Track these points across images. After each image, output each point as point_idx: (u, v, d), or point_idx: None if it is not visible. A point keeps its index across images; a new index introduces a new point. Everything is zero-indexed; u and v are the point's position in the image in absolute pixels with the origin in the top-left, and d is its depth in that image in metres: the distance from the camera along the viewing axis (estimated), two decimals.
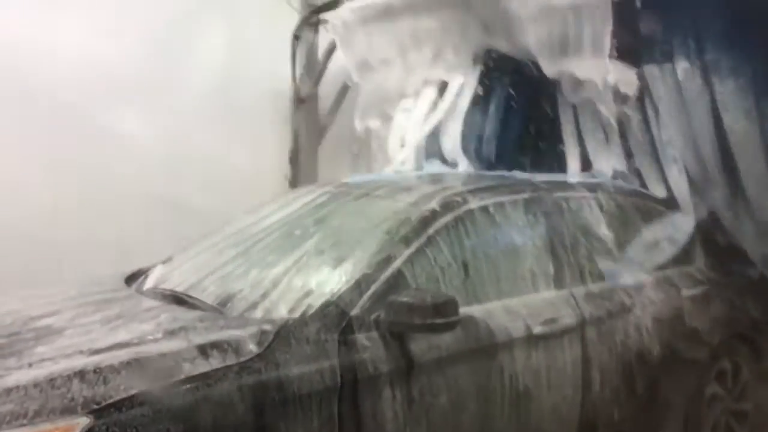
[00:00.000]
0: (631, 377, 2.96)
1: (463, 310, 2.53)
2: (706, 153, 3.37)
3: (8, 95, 4.42)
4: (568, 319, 2.81)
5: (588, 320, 2.85)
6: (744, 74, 3.21)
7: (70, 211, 4.66)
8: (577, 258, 2.98)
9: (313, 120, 5.38)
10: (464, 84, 4.01)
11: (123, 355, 2.02)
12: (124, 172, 4.89)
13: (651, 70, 3.40)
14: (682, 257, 3.30)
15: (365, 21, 4.43)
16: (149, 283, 2.80)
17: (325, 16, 4.85)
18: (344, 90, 5.40)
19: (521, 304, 2.75)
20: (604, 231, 3.09)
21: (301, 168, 5.36)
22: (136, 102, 4.90)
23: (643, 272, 3.11)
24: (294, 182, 5.28)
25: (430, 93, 4.17)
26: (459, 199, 2.80)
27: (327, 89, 5.38)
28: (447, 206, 2.75)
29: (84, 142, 4.71)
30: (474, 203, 2.81)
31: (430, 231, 2.65)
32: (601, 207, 3.15)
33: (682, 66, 3.32)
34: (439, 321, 2.35)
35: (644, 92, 3.41)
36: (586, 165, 3.58)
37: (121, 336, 2.14)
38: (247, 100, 5.43)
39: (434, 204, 2.74)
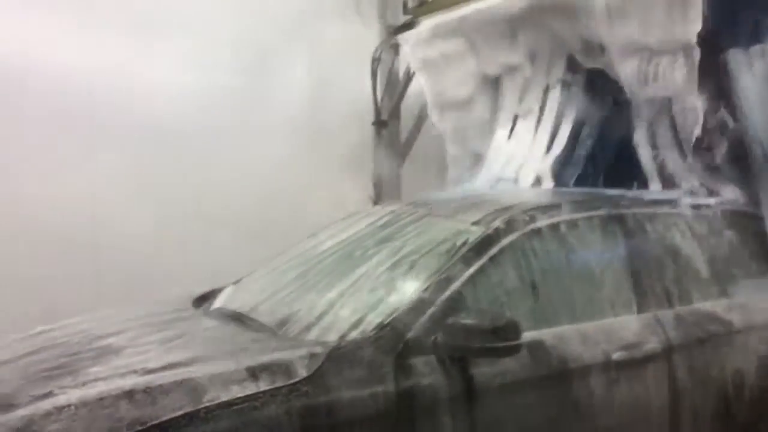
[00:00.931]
0: (728, 414, 2.70)
1: (532, 335, 2.42)
2: None
3: (106, 126, 4.71)
4: (652, 344, 2.59)
5: (676, 346, 2.62)
6: None
7: (167, 236, 4.88)
8: (663, 279, 2.75)
9: (395, 141, 5.38)
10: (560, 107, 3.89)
11: (173, 375, 2.04)
12: (214, 199, 5.09)
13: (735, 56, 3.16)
14: None
15: (440, 44, 4.42)
16: (216, 303, 2.85)
17: (401, 38, 4.84)
18: (425, 110, 5.39)
19: (598, 328, 2.57)
20: (693, 249, 2.85)
21: (384, 189, 5.35)
22: (225, 130, 5.11)
23: (742, 293, 2.85)
24: (378, 204, 5.27)
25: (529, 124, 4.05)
26: (525, 217, 2.67)
27: (408, 109, 5.37)
28: (512, 225, 2.62)
29: (177, 169, 4.95)
30: (542, 221, 2.67)
31: (493, 251, 2.54)
32: (687, 224, 2.91)
33: None
34: (499, 345, 2.23)
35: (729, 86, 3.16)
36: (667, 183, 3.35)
37: (175, 356, 2.17)
38: (331, 125, 5.53)
39: (498, 222, 2.62)
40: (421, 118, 5.36)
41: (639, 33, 3.32)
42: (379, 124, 5.34)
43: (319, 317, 2.42)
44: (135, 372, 2.08)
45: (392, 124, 5.35)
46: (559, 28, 3.76)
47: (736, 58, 3.15)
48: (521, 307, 2.51)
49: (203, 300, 2.95)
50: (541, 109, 3.97)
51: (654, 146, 3.40)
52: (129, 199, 4.64)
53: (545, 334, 2.47)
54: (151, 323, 2.53)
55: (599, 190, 3.31)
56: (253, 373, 2.07)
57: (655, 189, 3.34)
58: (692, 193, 3.09)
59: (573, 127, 3.83)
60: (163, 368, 2.08)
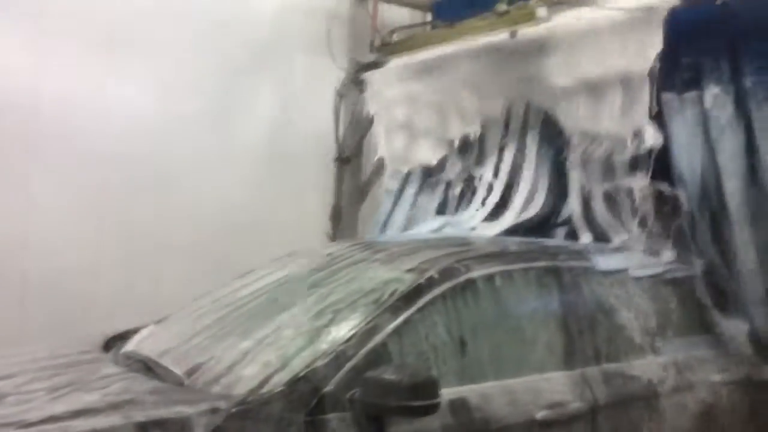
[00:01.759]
0: None
1: (455, 391, 2.29)
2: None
3: (60, 151, 4.55)
4: (578, 403, 2.46)
5: (602, 406, 2.50)
6: None
7: (111, 266, 4.70)
8: (593, 336, 2.63)
9: (357, 179, 5.26)
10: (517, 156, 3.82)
11: (51, 431, 1.85)
12: (169, 228, 4.93)
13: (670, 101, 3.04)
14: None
15: (403, 82, 4.36)
16: (129, 346, 2.67)
17: (366, 76, 4.79)
18: None
19: (524, 386, 2.43)
20: (625, 305, 2.74)
21: (342, 226, 5.21)
22: (183, 157, 4.96)
23: (672, 352, 2.73)
24: (335, 240, 5.13)
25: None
26: (460, 267, 2.53)
27: (371, 147, 5.27)
28: (445, 274, 2.49)
29: (131, 196, 4.79)
30: (476, 272, 2.53)
31: (423, 301, 2.40)
32: (621, 279, 2.80)
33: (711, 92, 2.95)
34: (415, 403, 2.08)
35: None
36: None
37: (59, 408, 1.99)
38: (294, 159, 5.42)
39: (432, 271, 2.49)
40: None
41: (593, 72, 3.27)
42: (341, 160, 5.23)
43: (231, 367, 2.25)
44: (8, 425, 1.89)
45: (354, 161, 5.24)
46: (519, 75, 3.70)
47: (669, 104, 3.05)
48: (448, 362, 2.37)
49: (118, 340, 2.77)
50: (500, 157, 3.89)
51: (585, 196, 3.30)
52: (67, 225, 4.45)
53: (469, 392, 2.32)
54: (47, 367, 2.34)
55: (542, 240, 3.20)
56: (144, 429, 1.90)
57: (585, 241, 3.24)
58: (626, 248, 2.98)
59: (532, 176, 3.73)
60: (42, 422, 1.90)
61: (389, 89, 4.49)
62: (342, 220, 5.20)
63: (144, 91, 4.78)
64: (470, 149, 4.03)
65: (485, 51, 3.84)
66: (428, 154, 4.17)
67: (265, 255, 4.15)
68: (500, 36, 3.73)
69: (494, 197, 3.77)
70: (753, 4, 2.86)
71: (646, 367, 2.70)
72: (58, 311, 4.34)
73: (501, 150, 3.88)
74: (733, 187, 2.93)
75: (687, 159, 3.00)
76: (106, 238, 4.66)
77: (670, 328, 2.86)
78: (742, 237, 2.90)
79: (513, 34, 3.65)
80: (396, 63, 4.58)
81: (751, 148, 2.91)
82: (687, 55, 2.99)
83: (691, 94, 2.99)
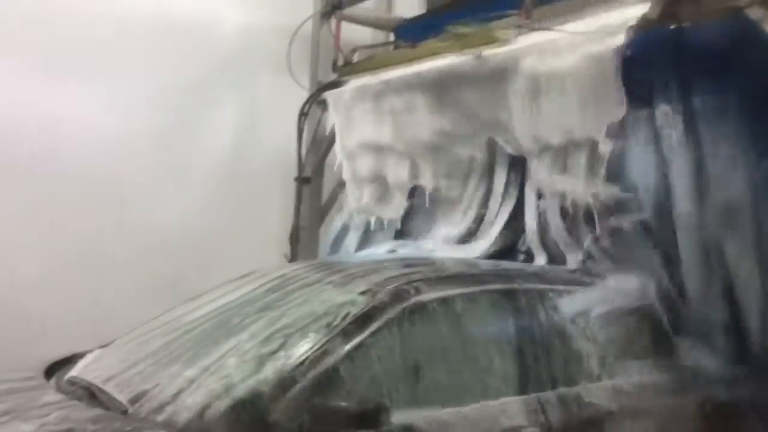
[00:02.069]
0: None
1: (405, 417, 2.24)
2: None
3: (9, 168, 4.44)
4: (532, 428, 2.44)
5: (557, 430, 2.48)
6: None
7: (60, 283, 4.58)
8: (550, 360, 2.62)
9: (317, 199, 5.22)
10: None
11: None
12: (124, 246, 4.84)
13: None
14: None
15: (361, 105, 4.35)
16: (73, 372, 2.59)
17: (327, 95, 4.78)
18: None
19: (478, 411, 2.40)
20: (585, 329, 2.74)
21: (302, 247, 5.16)
22: (140, 174, 4.89)
23: (629, 376, 2.73)
24: (293, 261, 5.08)
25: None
26: (411, 289, 2.51)
27: (332, 168, 5.25)
28: (397, 297, 2.47)
29: (85, 215, 4.69)
30: (428, 295, 2.51)
31: (375, 325, 2.36)
32: (582, 302, 2.79)
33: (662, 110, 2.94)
34: (365, 431, 2.05)
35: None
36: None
37: None
38: (255, 178, 5.39)
39: (385, 294, 2.47)
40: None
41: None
42: (302, 180, 5.19)
43: (176, 395, 2.19)
44: None
45: (315, 181, 5.20)
46: (477, 104, 3.71)
47: (624, 121, 3.03)
48: (400, 387, 2.33)
49: (61, 365, 2.69)
50: (464, 181, 3.89)
51: (541, 213, 3.32)
52: (14, 244, 4.34)
53: (420, 418, 2.28)
54: None
55: (498, 262, 3.20)
56: None
57: (540, 262, 3.25)
58: (582, 271, 2.99)
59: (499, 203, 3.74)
60: None
61: (350, 110, 4.48)
62: (301, 240, 5.14)
63: (100, 107, 4.71)
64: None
65: (445, 74, 3.85)
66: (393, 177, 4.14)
67: (224, 276, 4.10)
68: (462, 58, 3.73)
69: (459, 224, 3.78)
70: (703, 29, 2.88)
71: (602, 392, 2.68)
72: (3, 331, 4.22)
73: (466, 176, 3.88)
74: (681, 207, 2.92)
75: (640, 178, 2.99)
76: (57, 258, 4.55)
77: (626, 351, 2.86)
78: (690, 260, 2.91)
79: (477, 56, 3.63)
80: (356, 84, 4.57)
81: (700, 168, 2.89)
82: (640, 74, 2.98)
83: (643, 112, 2.98)
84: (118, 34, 4.72)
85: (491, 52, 3.51)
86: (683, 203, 2.92)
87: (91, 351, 2.80)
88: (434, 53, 3.94)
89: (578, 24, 3.17)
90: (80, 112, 4.64)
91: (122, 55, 4.76)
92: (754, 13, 2.48)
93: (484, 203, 3.74)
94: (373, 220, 4.21)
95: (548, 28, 3.30)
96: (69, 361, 2.75)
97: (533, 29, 3.42)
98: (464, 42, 3.72)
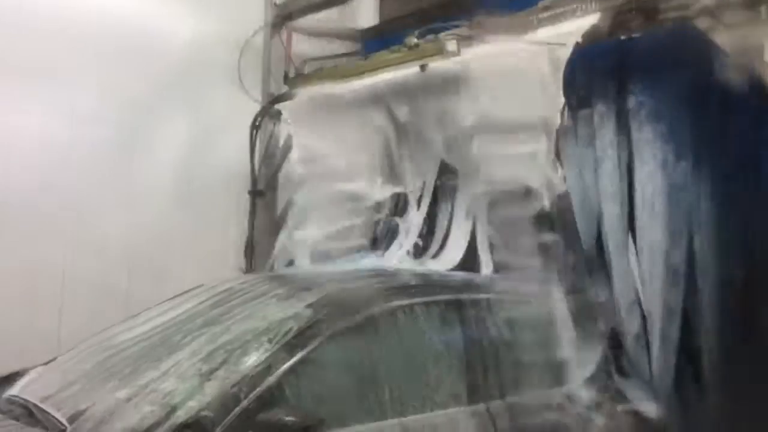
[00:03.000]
0: None
1: (353, 431, 2.24)
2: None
3: None
4: None
5: None
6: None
7: (11, 303, 4.46)
8: (498, 369, 2.64)
9: (271, 212, 5.19)
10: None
11: None
12: (74, 263, 4.73)
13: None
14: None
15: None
16: (13, 390, 2.51)
17: (281, 106, 4.77)
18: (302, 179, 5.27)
19: (426, 422, 2.41)
20: (533, 338, 2.77)
21: (257, 260, 5.12)
22: (88, 188, 4.79)
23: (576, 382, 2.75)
24: (248, 273, 5.03)
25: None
26: (359, 302, 2.52)
27: (286, 180, 5.23)
28: (344, 310, 2.46)
29: (33, 228, 4.57)
30: (377, 307, 2.52)
31: (321, 338, 2.35)
32: (525, 310, 2.83)
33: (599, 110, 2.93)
34: None
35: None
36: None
37: None
38: (207, 191, 5.28)
39: (330, 307, 2.46)
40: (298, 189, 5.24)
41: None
42: (255, 193, 5.16)
43: (114, 413, 2.14)
44: None
45: (269, 194, 5.17)
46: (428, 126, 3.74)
47: (563, 124, 3.06)
48: (347, 401, 2.33)
49: (2, 384, 2.60)
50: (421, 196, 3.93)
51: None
52: None
53: (368, 431, 2.28)
54: None
55: (445, 273, 3.22)
56: None
57: (487, 272, 3.28)
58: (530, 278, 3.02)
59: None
60: None
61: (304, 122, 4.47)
62: (256, 253, 5.10)
63: (47, 120, 4.57)
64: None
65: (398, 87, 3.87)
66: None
67: (180, 290, 4.07)
68: (410, 70, 3.75)
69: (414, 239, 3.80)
70: (646, 38, 2.91)
71: (551, 399, 2.71)
72: None
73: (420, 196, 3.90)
74: (610, 212, 2.92)
75: (578, 182, 3.01)
76: (6, 274, 4.43)
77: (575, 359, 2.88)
78: (618, 271, 2.90)
79: (423, 68, 3.66)
80: (307, 95, 4.56)
81: (630, 171, 2.89)
82: (582, 76, 3.00)
83: (584, 112, 2.99)
84: (64, 47, 4.62)
85: (437, 64, 3.53)
86: (609, 206, 2.91)
87: (33, 368, 2.72)
88: (385, 65, 3.95)
89: (529, 36, 3.20)
90: (27, 126, 4.51)
91: (69, 69, 4.64)
92: (702, 22, 2.53)
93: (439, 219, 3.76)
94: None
95: (497, 40, 3.31)
96: (9, 379, 2.66)
97: (482, 41, 3.44)
98: (414, 53, 3.74)
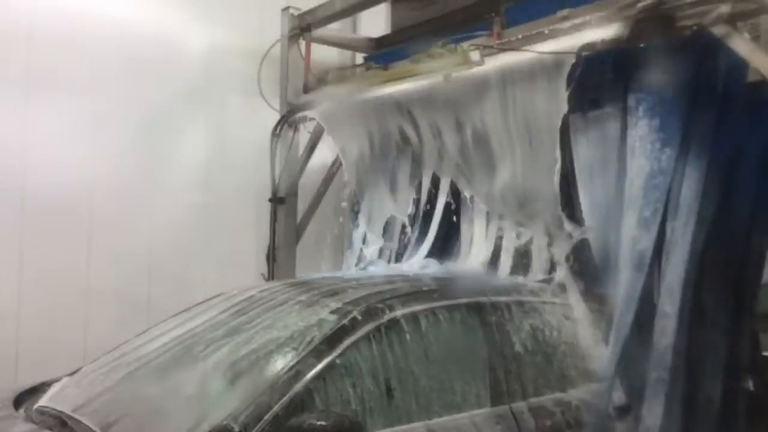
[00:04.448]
0: None
1: None
2: None
3: None
4: None
5: None
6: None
7: (34, 314, 4.53)
8: (520, 371, 2.67)
9: (292, 218, 5.23)
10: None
11: None
12: (98, 272, 4.79)
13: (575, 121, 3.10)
14: None
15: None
16: (43, 400, 2.56)
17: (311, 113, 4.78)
18: (323, 188, 5.29)
19: (451, 424, 2.45)
20: (550, 338, 2.79)
21: (279, 266, 5.17)
22: (111, 195, 4.86)
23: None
24: (270, 280, 5.07)
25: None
26: (382, 306, 2.55)
27: (306, 187, 5.27)
28: (369, 315, 2.50)
29: (54, 240, 4.65)
30: (400, 311, 2.55)
31: (347, 343, 2.40)
32: (544, 313, 2.85)
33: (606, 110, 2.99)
34: None
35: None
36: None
37: None
38: (228, 199, 5.37)
39: (356, 312, 2.49)
40: (318, 195, 5.27)
41: None
42: (276, 200, 5.21)
43: (150, 421, 2.19)
44: None
45: (289, 201, 5.22)
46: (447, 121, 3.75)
47: (575, 123, 3.10)
48: (374, 404, 2.36)
49: (30, 395, 2.67)
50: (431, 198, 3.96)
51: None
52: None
53: None
54: None
55: (465, 276, 3.23)
56: None
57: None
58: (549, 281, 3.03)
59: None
60: None
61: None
62: (278, 260, 5.15)
63: (69, 132, 4.65)
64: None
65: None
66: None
67: (199, 298, 4.11)
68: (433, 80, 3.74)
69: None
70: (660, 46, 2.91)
71: (571, 400, 2.73)
72: None
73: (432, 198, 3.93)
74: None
75: (589, 181, 3.04)
76: (28, 285, 4.50)
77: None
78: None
79: (447, 78, 3.63)
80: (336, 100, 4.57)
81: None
82: (591, 77, 3.02)
83: (594, 113, 3.04)
84: (85, 58, 4.71)
85: (461, 74, 3.53)
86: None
87: (58, 379, 2.77)
88: (408, 74, 3.92)
89: (548, 44, 3.20)
90: (46, 137, 4.60)
91: (90, 80, 4.74)
92: (719, 30, 2.54)
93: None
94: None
95: (517, 49, 3.31)
96: (37, 390, 2.73)
97: (503, 50, 3.43)
98: (436, 63, 3.72)
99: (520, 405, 2.60)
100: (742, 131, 2.71)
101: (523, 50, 3.16)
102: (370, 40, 5.03)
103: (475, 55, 3.48)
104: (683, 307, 2.65)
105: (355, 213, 4.53)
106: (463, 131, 3.66)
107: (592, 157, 3.04)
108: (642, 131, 2.81)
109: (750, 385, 2.82)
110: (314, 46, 5.02)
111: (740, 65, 2.56)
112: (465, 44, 3.52)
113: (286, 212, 5.22)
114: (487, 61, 3.41)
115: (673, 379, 2.63)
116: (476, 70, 3.47)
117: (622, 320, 2.74)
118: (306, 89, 4.98)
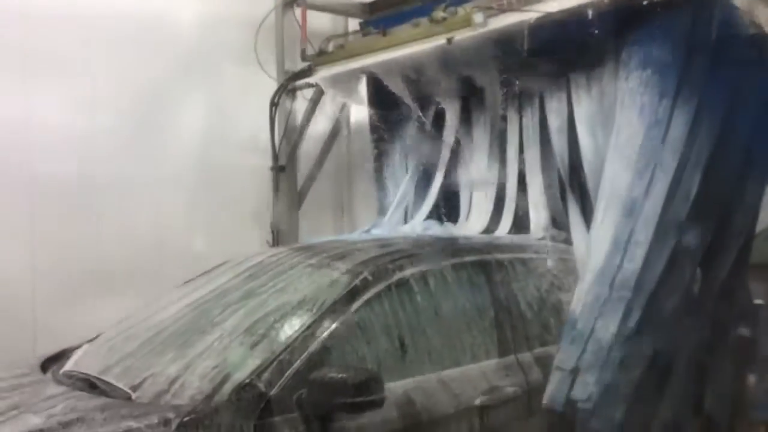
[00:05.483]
0: None
1: (396, 386, 2.41)
2: None
3: None
4: (512, 387, 2.64)
5: (535, 387, 2.68)
6: None
7: (47, 289, 4.61)
8: (524, 323, 2.81)
9: (293, 186, 5.31)
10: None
11: None
12: (102, 246, 4.86)
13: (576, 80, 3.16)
14: None
15: None
16: (68, 366, 2.65)
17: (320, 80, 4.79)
18: (323, 155, 5.36)
19: (461, 375, 2.58)
20: (552, 291, 2.92)
21: (282, 234, 5.26)
22: (114, 172, 4.90)
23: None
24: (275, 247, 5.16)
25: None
26: (392, 266, 2.65)
27: (305, 155, 5.34)
28: (379, 275, 2.60)
29: (60, 215, 4.70)
30: (409, 270, 2.66)
31: (360, 302, 2.50)
32: (546, 267, 2.99)
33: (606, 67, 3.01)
34: (361, 400, 2.18)
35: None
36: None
37: (11, 430, 2.00)
38: (229, 168, 5.42)
39: (366, 273, 2.60)
40: (318, 163, 5.34)
41: None
42: (277, 169, 5.28)
43: (176, 379, 2.29)
44: None
45: (289, 169, 5.29)
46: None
47: (576, 81, 3.14)
48: (388, 359, 2.48)
49: (54, 361, 2.76)
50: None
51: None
52: (5, 249, 4.34)
53: (410, 385, 2.45)
54: None
55: (471, 235, 3.34)
56: None
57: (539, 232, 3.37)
58: (551, 237, 3.15)
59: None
60: None
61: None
62: (281, 227, 5.24)
63: (66, 109, 4.64)
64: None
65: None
66: None
67: (206, 268, 4.20)
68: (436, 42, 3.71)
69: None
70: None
71: None
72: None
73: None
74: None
75: (589, 137, 3.10)
76: (40, 264, 4.55)
77: None
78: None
79: (450, 41, 3.61)
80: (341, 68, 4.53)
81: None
82: (592, 33, 2.99)
83: (596, 71, 3.07)
84: (79, 34, 4.69)
85: (463, 37, 3.52)
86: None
87: (79, 346, 2.87)
88: (410, 39, 3.91)
89: (552, 3, 3.17)
90: (46, 116, 4.61)
91: (85, 56, 4.71)
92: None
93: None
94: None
95: (521, 9, 3.29)
96: (59, 356, 2.82)
97: (505, 11, 3.40)
98: (438, 27, 3.70)
99: (525, 355, 2.74)
100: (736, 81, 2.75)
101: (526, 11, 3.17)
102: (364, 4, 5.04)
103: (478, 17, 3.47)
104: (657, 239, 2.68)
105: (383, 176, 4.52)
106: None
107: (593, 111, 3.11)
108: (634, 83, 2.83)
109: (746, 331, 2.96)
110: (314, 13, 5.02)
111: (736, 16, 2.58)
112: (467, 6, 3.52)
113: (287, 180, 5.30)
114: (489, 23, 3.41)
115: (635, 296, 2.66)
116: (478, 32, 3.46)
117: (610, 263, 2.76)
118: (304, 57, 5.00)
